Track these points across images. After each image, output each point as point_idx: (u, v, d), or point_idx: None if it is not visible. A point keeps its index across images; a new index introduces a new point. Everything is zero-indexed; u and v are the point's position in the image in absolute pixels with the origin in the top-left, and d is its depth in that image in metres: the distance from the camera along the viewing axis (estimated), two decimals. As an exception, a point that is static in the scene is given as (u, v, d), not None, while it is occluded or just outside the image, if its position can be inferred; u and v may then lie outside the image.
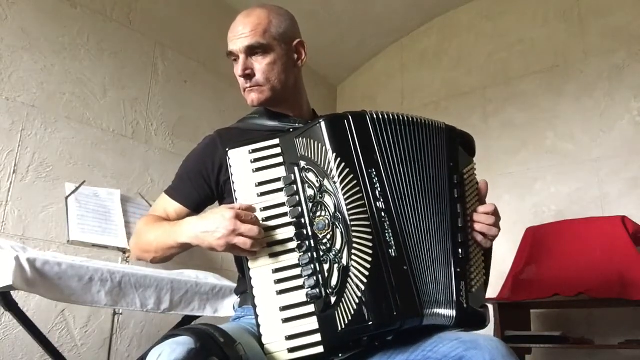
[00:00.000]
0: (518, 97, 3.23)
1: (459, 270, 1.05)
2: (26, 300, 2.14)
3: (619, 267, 2.24)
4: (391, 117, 1.09)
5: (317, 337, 0.97)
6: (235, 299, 1.26)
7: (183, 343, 0.86)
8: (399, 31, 3.84)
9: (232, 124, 1.35)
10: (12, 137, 2.31)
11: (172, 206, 1.26)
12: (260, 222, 1.03)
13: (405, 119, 1.11)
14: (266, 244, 1.03)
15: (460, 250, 1.06)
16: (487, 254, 1.15)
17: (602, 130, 2.88)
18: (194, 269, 2.11)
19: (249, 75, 1.24)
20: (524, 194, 3.05)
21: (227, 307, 1.96)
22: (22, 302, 1.97)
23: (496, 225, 1.13)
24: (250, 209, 1.04)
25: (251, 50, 1.23)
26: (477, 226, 1.11)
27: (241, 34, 1.23)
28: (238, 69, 1.25)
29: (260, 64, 1.24)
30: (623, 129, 2.82)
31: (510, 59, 3.31)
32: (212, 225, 1.02)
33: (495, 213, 1.13)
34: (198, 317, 2.03)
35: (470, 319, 1.04)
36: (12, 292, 1.67)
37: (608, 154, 2.83)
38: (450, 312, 1.02)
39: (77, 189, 2.20)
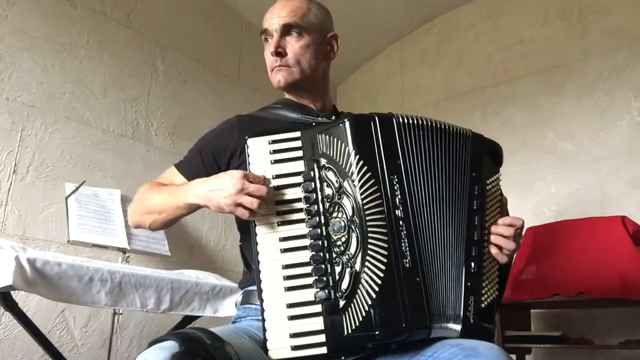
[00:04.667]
0: (518, 97, 3.22)
1: (469, 284, 1.03)
2: (26, 300, 2.14)
3: (619, 267, 2.24)
4: (417, 122, 1.06)
5: (322, 338, 0.96)
6: (238, 296, 1.24)
7: (167, 347, 0.86)
8: (399, 31, 3.84)
9: (253, 111, 1.32)
10: (12, 137, 2.31)
11: (179, 180, 1.24)
12: (271, 186, 1.02)
13: (432, 124, 1.08)
14: (275, 212, 1.01)
15: (472, 264, 1.04)
16: (504, 269, 1.12)
17: (602, 130, 2.88)
18: (194, 269, 2.11)
19: (280, 53, 1.23)
20: (524, 194, 3.05)
21: (227, 307, 1.96)
22: (22, 302, 1.97)
23: (515, 238, 1.09)
24: (260, 178, 1.02)
25: (286, 30, 1.24)
26: (494, 238, 1.08)
27: (279, 14, 1.24)
28: (270, 47, 1.24)
29: (293, 45, 1.24)
30: (623, 129, 2.81)
31: (510, 59, 3.31)
32: (220, 185, 1.02)
33: (517, 226, 1.10)
34: (198, 317, 2.03)
35: (475, 334, 1.01)
36: (12, 292, 1.67)
37: (608, 154, 2.83)
38: (456, 326, 1.01)
39: (77, 189, 2.20)
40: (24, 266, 1.48)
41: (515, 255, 1.14)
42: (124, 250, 2.19)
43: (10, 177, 2.28)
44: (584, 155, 2.91)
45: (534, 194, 3.03)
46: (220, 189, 1.02)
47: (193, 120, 3.05)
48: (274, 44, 1.24)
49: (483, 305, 1.05)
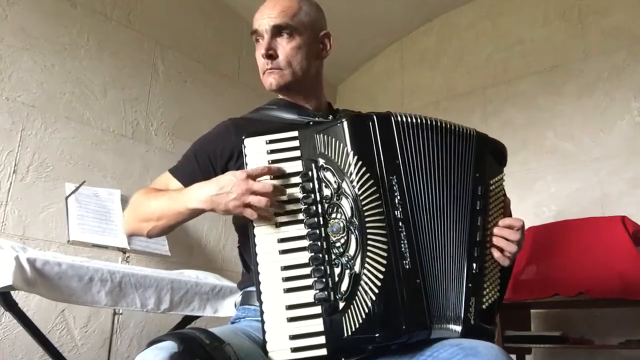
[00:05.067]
0: (518, 97, 3.22)
1: (470, 285, 1.03)
2: (26, 300, 2.14)
3: (619, 267, 2.24)
4: (416, 120, 1.05)
5: (322, 340, 0.95)
6: (237, 297, 1.23)
7: (166, 348, 0.85)
8: (399, 31, 3.84)
9: (246, 114, 1.30)
10: (12, 137, 2.31)
11: (174, 185, 1.21)
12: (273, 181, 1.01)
13: (432, 123, 1.06)
14: (283, 210, 1.01)
15: (474, 265, 1.04)
16: (506, 271, 1.12)
17: (602, 130, 2.88)
18: (194, 269, 2.11)
19: (271, 56, 1.21)
20: (524, 194, 3.05)
21: (227, 307, 1.96)
22: (22, 302, 1.97)
23: (517, 241, 1.08)
24: (262, 170, 1.01)
25: (277, 31, 1.21)
26: (496, 240, 1.08)
27: (269, 14, 1.21)
28: (261, 49, 1.22)
29: (284, 47, 1.21)
30: (623, 129, 2.81)
31: (510, 59, 3.31)
32: (225, 186, 1.01)
33: (517, 227, 1.09)
34: (198, 317, 2.03)
35: (476, 335, 1.01)
36: (12, 292, 1.67)
37: (608, 154, 2.83)
38: (457, 327, 1.00)
39: (77, 189, 2.20)
40: (24, 266, 1.48)
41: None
42: (124, 250, 2.19)
43: (10, 177, 2.27)
44: (584, 155, 2.91)
45: (534, 194, 3.03)
46: (226, 191, 1.00)
47: (193, 120, 3.05)
48: (265, 45, 1.21)
49: (484, 307, 1.05)
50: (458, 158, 1.07)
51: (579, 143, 2.95)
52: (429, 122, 1.06)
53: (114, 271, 1.68)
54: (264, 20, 1.21)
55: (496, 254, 1.08)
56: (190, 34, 3.15)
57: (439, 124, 1.07)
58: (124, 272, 1.71)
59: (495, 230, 1.09)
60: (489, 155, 1.13)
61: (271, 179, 1.02)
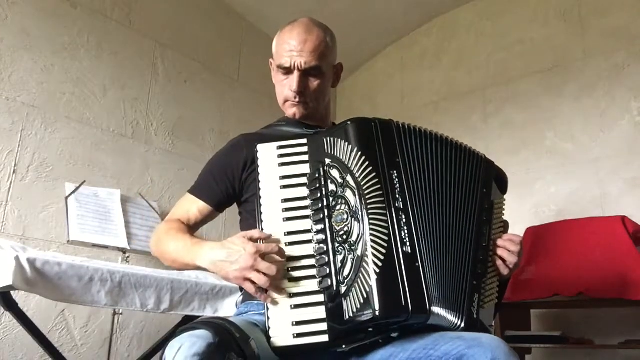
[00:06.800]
0: (518, 97, 3.22)
1: (475, 282, 1.08)
2: (26, 300, 2.14)
3: (619, 267, 2.24)
4: (414, 129, 1.14)
5: (323, 326, 0.99)
6: (237, 298, 1.27)
7: (202, 337, 0.87)
8: (399, 31, 3.84)
9: (257, 130, 1.38)
10: (12, 137, 2.31)
11: (196, 205, 1.30)
12: (284, 256, 1.04)
13: (433, 135, 1.15)
14: (286, 277, 1.04)
15: (479, 266, 1.11)
16: (503, 284, 1.19)
17: (602, 130, 2.88)
18: (194, 269, 2.11)
19: (302, 93, 1.29)
20: (524, 194, 3.05)
21: (227, 307, 1.96)
22: (22, 302, 1.97)
23: (517, 252, 1.16)
24: (275, 242, 1.04)
25: (308, 72, 1.28)
26: (499, 251, 1.16)
27: (301, 50, 1.27)
28: (293, 84, 1.28)
29: (312, 84, 1.30)
30: (623, 129, 2.81)
31: (510, 59, 3.31)
32: (232, 257, 1.04)
33: (519, 243, 1.18)
34: (198, 317, 2.03)
35: (477, 330, 1.04)
36: (12, 292, 1.67)
37: (608, 154, 2.83)
38: (459, 319, 1.04)
39: (77, 189, 2.20)
40: (24, 266, 1.48)
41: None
42: (124, 250, 2.19)
43: (10, 177, 2.27)
44: (584, 155, 2.91)
45: (534, 194, 3.03)
46: (231, 261, 1.04)
47: (193, 120, 3.05)
48: (298, 83, 1.27)
49: (485, 307, 1.09)
50: (464, 171, 1.16)
51: (579, 143, 2.94)
52: (427, 133, 1.15)
53: (114, 271, 1.68)
54: (296, 59, 1.27)
55: (498, 262, 1.15)
56: (190, 34, 3.15)
57: (440, 136, 1.16)
58: (124, 272, 1.71)
59: (499, 242, 1.17)
60: (494, 180, 1.22)
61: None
